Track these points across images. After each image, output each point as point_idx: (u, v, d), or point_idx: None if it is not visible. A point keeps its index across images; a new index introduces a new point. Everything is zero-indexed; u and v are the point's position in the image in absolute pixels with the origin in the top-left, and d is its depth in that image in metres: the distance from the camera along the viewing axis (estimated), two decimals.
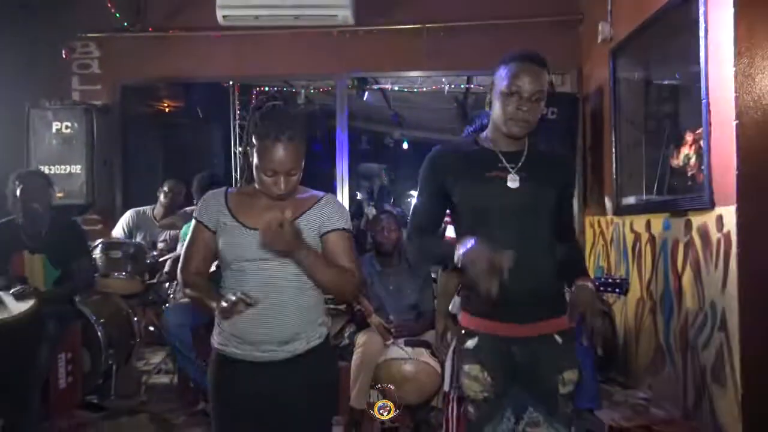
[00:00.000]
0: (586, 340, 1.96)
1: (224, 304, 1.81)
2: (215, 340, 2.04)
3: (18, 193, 3.68)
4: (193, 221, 2.06)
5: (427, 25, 5.45)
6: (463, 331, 2.03)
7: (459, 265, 1.79)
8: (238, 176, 6.93)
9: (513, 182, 1.95)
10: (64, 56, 5.60)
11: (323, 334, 2.04)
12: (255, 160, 1.90)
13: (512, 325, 1.95)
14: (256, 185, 1.96)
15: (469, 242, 1.76)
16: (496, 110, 1.97)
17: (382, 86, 7.31)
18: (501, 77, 1.95)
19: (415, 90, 7.24)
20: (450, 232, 2.80)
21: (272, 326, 1.92)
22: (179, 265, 2.07)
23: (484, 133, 2.06)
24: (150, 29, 5.58)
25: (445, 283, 3.00)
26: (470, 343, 1.99)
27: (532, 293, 1.93)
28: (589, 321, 1.93)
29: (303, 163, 1.94)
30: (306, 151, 1.94)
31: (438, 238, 2.03)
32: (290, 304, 1.94)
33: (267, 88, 7.65)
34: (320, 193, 2.06)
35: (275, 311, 1.92)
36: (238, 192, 2.06)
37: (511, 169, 1.96)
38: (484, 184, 1.96)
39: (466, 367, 1.97)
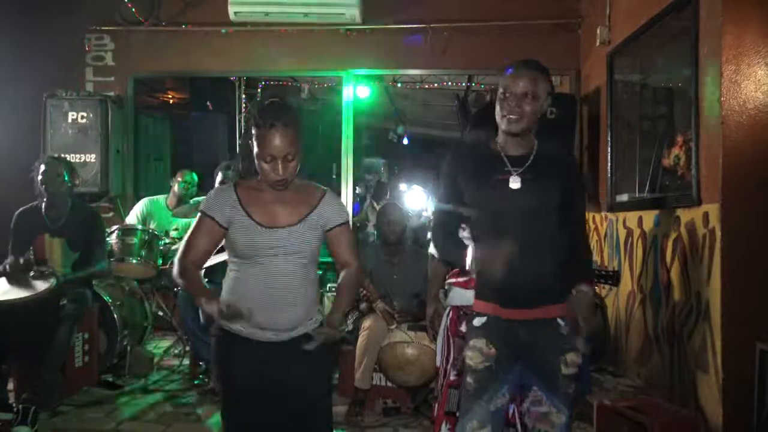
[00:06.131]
0: (579, 343, 2.09)
1: (225, 309, 1.91)
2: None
3: (39, 177, 3.89)
4: (199, 214, 2.10)
5: (431, 25, 5.64)
6: (474, 313, 2.16)
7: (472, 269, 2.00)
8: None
9: (515, 184, 2.09)
10: (87, 49, 5.81)
11: (318, 320, 2.19)
12: (255, 149, 2.03)
13: (517, 310, 2.10)
14: (259, 175, 2.07)
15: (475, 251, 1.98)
16: (497, 112, 2.13)
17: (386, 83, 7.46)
18: (500, 83, 2.11)
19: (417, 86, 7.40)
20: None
21: (280, 314, 2.06)
22: (178, 251, 2.10)
23: (497, 137, 2.19)
24: (163, 24, 5.77)
25: (435, 271, 3.17)
26: (477, 321, 2.13)
27: (534, 284, 2.07)
28: (581, 326, 2.08)
29: (299, 151, 2.03)
30: (302, 140, 2.04)
31: (454, 241, 2.19)
32: (298, 295, 2.09)
33: (271, 83, 7.80)
34: (319, 189, 2.20)
35: (284, 300, 2.06)
36: (244, 187, 2.12)
37: (514, 172, 2.10)
38: (491, 188, 2.10)
39: (472, 342, 2.11)
